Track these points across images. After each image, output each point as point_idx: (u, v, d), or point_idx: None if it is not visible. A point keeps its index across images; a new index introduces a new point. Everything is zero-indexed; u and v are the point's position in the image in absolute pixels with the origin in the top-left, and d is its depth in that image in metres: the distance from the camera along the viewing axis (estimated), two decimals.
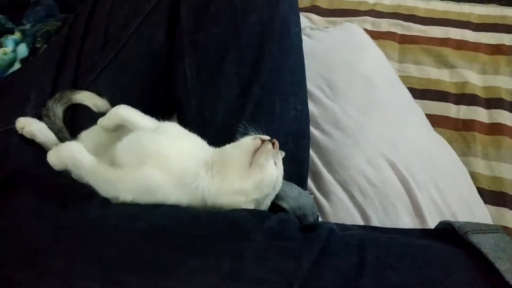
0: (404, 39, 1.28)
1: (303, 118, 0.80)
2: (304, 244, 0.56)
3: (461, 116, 1.11)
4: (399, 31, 1.30)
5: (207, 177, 0.62)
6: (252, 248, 0.54)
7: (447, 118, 1.11)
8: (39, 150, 0.71)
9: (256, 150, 0.62)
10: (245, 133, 0.67)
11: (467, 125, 1.10)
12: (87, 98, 0.75)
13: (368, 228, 0.74)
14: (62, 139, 0.72)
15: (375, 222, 0.84)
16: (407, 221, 0.85)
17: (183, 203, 0.61)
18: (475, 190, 0.97)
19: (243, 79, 0.76)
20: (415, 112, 1.04)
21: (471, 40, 1.26)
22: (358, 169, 0.87)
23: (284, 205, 0.68)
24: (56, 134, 0.73)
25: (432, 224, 0.84)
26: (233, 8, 0.77)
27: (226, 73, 0.77)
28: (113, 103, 0.73)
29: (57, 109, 0.73)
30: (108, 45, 0.80)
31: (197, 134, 0.68)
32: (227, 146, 0.66)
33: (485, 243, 0.55)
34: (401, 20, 1.32)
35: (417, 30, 1.30)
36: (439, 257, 0.57)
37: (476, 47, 1.24)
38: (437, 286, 0.53)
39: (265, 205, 0.66)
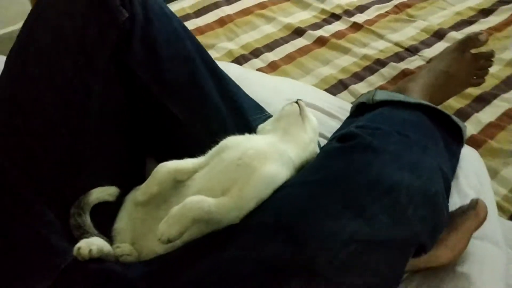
0: None
1: None
2: None
3: None
4: None
5: (286, 147, 0.72)
6: None
7: None
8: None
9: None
10: (267, 118, 0.82)
11: None
12: (100, 194, 0.72)
13: None
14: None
15: None
16: None
17: (285, 179, 0.68)
18: None
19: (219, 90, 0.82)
20: None
21: None
22: None
23: None
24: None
25: None
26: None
27: (204, 91, 0.81)
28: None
29: (86, 220, 0.69)
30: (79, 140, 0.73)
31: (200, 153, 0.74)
32: (274, 121, 0.79)
33: None
34: None
35: None
36: None
37: None
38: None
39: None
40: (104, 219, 0.71)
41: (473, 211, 0.73)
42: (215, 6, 1.66)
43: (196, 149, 0.74)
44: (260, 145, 0.70)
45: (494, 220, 0.83)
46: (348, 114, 1.02)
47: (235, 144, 0.70)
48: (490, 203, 0.90)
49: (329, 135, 0.95)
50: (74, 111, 0.71)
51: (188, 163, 0.71)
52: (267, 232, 0.61)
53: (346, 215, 0.59)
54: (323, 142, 0.88)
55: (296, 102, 0.78)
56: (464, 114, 1.29)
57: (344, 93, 1.36)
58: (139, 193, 0.70)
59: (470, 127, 1.24)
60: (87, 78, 0.72)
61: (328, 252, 0.57)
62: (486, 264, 0.75)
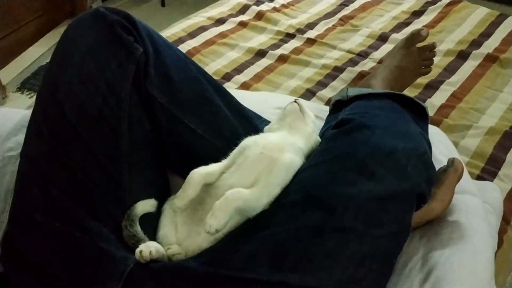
0: None
1: None
2: None
3: None
4: None
5: (295, 139, 0.85)
6: None
7: None
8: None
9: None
10: (267, 123, 0.95)
11: None
12: (144, 206, 0.81)
13: None
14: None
15: None
16: None
17: (300, 165, 0.82)
18: None
19: (226, 104, 0.95)
20: None
21: None
22: None
23: None
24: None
25: None
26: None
27: (215, 105, 0.93)
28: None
29: (137, 229, 0.77)
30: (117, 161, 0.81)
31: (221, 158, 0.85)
32: (279, 120, 0.91)
33: None
34: None
35: None
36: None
37: None
38: None
39: None
40: (148, 229, 0.80)
41: (452, 167, 0.89)
42: (180, 41, 1.79)
43: (215, 156, 0.85)
44: (275, 139, 0.83)
45: (466, 177, 0.99)
46: (326, 113, 1.16)
47: (254, 143, 0.83)
48: None
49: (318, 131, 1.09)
50: (107, 138, 0.81)
51: (215, 166, 0.82)
52: (298, 207, 0.73)
53: (360, 180, 0.73)
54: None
55: (295, 101, 0.91)
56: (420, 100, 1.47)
57: (313, 100, 1.51)
58: (177, 200, 0.79)
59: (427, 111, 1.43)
60: (114, 108, 0.82)
61: (353, 211, 0.70)
62: (469, 211, 0.91)
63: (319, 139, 0.91)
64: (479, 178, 1.21)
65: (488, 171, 1.23)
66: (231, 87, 1.57)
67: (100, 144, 0.80)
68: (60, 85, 0.83)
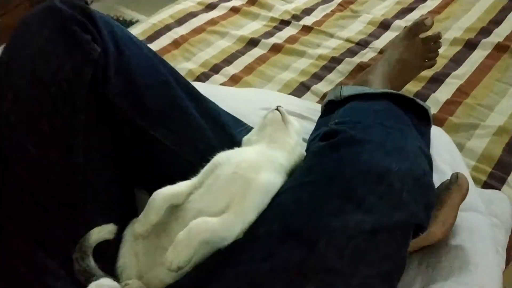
0: None
1: None
2: None
3: None
4: None
5: (275, 154, 0.75)
6: None
7: None
8: None
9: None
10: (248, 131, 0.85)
11: None
12: (100, 233, 0.71)
13: None
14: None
15: None
16: None
17: (280, 185, 0.72)
18: None
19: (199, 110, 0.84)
20: None
21: None
22: None
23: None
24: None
25: None
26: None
27: (186, 113, 0.82)
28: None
29: (90, 263, 0.68)
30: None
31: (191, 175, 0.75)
32: (259, 130, 0.82)
33: None
34: None
35: None
36: None
37: None
38: None
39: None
40: (106, 258, 0.71)
41: (456, 185, 0.78)
42: (167, 28, 1.67)
43: (186, 171, 0.75)
44: (251, 156, 0.72)
45: (472, 190, 0.89)
46: (318, 113, 1.06)
47: (227, 159, 0.72)
48: (465, 174, 0.96)
49: (305, 136, 0.98)
50: (59, 154, 0.71)
51: (182, 186, 0.72)
52: (275, 240, 0.63)
53: (347, 209, 0.63)
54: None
55: (277, 109, 0.80)
56: (422, 96, 1.36)
57: (308, 95, 1.40)
58: (137, 225, 0.70)
59: (430, 108, 1.31)
60: (67, 118, 0.72)
61: (337, 248, 0.60)
62: (475, 233, 0.80)
63: (304, 153, 0.80)
64: (486, 185, 1.10)
65: (496, 176, 1.12)
66: (219, 81, 1.46)
67: (50, 161, 0.70)
68: (7, 93, 0.72)
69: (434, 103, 1.33)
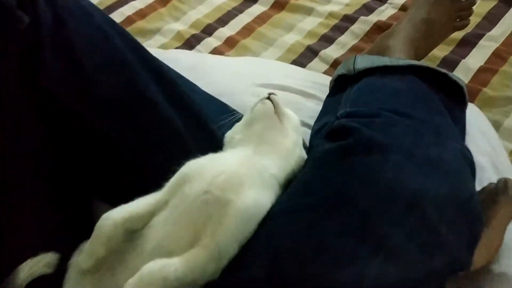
0: None
1: None
2: None
3: None
4: None
5: (265, 161, 0.57)
6: None
7: None
8: None
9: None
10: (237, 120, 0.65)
11: None
12: (34, 267, 0.55)
13: None
14: None
15: None
16: None
17: (270, 205, 0.54)
18: None
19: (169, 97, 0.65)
20: None
21: None
22: None
23: None
24: None
25: None
26: None
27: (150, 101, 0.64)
28: None
29: None
30: None
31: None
32: (245, 126, 0.62)
33: None
34: None
35: None
36: None
37: None
38: None
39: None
40: None
41: (504, 196, 0.59)
42: None
43: (151, 181, 0.57)
44: (231, 167, 0.54)
45: None
46: (325, 89, 0.87)
47: (198, 172, 0.54)
48: (507, 167, 0.78)
49: (308, 120, 0.80)
50: None
51: (140, 206, 0.55)
52: None
53: (362, 253, 0.45)
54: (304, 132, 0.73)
55: (268, 97, 0.61)
56: (450, 63, 1.16)
57: (315, 61, 1.20)
58: (82, 259, 0.53)
59: (460, 77, 1.11)
60: None
61: None
62: None
63: (304, 155, 0.62)
64: None
65: None
66: (212, 44, 1.27)
67: None
68: None
69: (464, 71, 1.14)
